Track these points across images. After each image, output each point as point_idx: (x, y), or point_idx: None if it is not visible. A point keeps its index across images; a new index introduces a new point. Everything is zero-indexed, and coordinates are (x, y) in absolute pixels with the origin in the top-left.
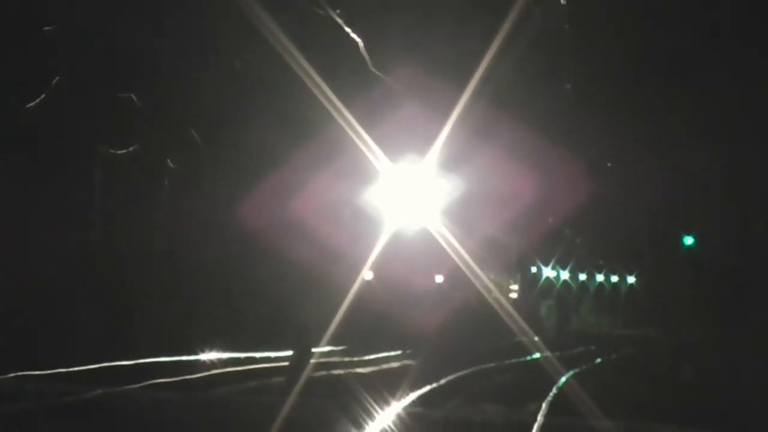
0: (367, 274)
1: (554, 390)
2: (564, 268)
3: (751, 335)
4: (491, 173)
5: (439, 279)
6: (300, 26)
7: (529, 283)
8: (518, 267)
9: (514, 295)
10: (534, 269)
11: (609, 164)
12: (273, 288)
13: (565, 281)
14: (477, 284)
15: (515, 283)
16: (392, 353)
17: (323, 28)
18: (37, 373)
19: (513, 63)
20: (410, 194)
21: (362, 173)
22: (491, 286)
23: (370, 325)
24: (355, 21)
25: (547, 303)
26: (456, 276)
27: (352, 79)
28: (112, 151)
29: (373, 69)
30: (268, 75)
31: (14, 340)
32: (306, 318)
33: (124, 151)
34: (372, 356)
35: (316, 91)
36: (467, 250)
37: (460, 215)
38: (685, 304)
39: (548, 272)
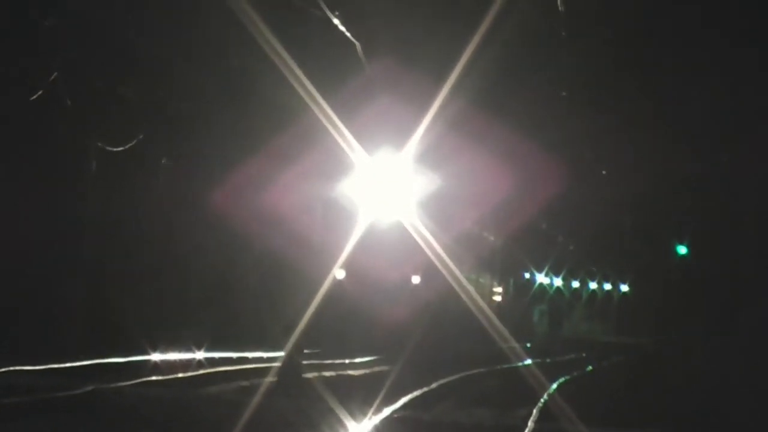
0: (338, 273)
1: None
2: (557, 275)
3: (742, 343)
4: (470, 169)
5: (415, 279)
6: (279, 14)
7: (521, 288)
8: (510, 272)
9: (498, 298)
10: (527, 275)
11: (604, 171)
12: (251, 282)
13: (558, 288)
14: (456, 286)
15: (499, 285)
16: (365, 359)
17: (305, 15)
18: (30, 368)
19: (494, 57)
20: (386, 188)
21: (337, 165)
22: (471, 288)
23: (339, 328)
24: (337, 8)
25: (540, 308)
26: (433, 277)
27: (330, 70)
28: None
29: (360, 54)
30: (245, 63)
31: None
32: (296, 318)
33: (110, 143)
34: (339, 361)
35: (292, 80)
36: (445, 249)
37: (438, 211)
38: (676, 312)
39: (541, 278)
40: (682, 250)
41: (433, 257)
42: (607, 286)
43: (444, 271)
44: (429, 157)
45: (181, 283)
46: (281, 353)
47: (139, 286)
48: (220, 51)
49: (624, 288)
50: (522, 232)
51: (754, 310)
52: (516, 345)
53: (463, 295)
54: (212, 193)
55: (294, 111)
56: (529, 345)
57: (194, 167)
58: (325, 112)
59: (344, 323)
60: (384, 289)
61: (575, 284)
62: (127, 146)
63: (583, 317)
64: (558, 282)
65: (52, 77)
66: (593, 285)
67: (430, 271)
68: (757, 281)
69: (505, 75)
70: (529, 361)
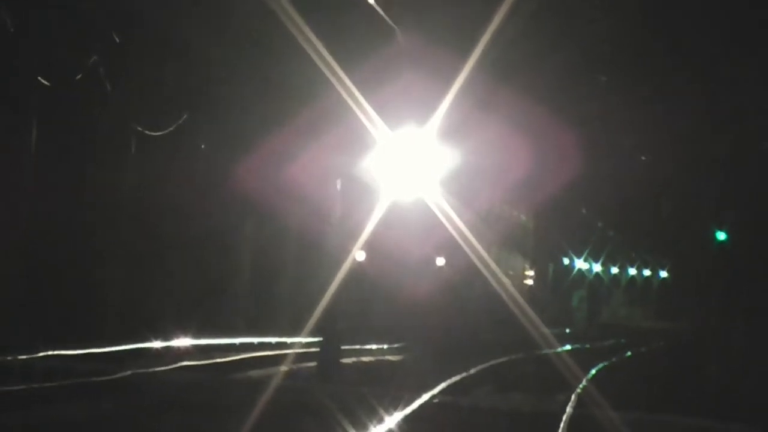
0: (358, 255)
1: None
2: (596, 261)
3: None
4: (497, 146)
5: (439, 261)
6: None
7: (561, 273)
8: (547, 256)
9: (529, 282)
10: (566, 260)
11: (643, 157)
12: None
13: (597, 273)
14: (483, 268)
15: (531, 268)
16: (383, 346)
17: None
18: (68, 353)
19: (520, 31)
20: (409, 164)
21: (359, 141)
22: (498, 271)
23: (357, 313)
24: None
25: (579, 294)
26: (459, 258)
27: (354, 43)
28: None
29: (388, 21)
30: (270, 40)
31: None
32: (334, 303)
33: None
34: (366, 347)
35: (313, 54)
36: (471, 229)
37: (464, 188)
38: (716, 298)
39: (580, 264)
40: (722, 235)
41: (458, 237)
42: (647, 272)
43: (470, 252)
44: (455, 132)
45: (217, 265)
46: (312, 339)
47: (175, 270)
48: (245, 28)
49: (663, 274)
50: (559, 216)
51: None
52: (550, 331)
53: (490, 279)
54: (240, 173)
55: (317, 87)
56: (568, 330)
57: (222, 147)
58: (347, 88)
59: (365, 307)
60: (407, 270)
61: (614, 270)
62: (165, 131)
63: (622, 303)
64: (597, 268)
65: (91, 61)
66: (632, 271)
67: (455, 252)
68: None
69: (533, 48)
70: (568, 347)
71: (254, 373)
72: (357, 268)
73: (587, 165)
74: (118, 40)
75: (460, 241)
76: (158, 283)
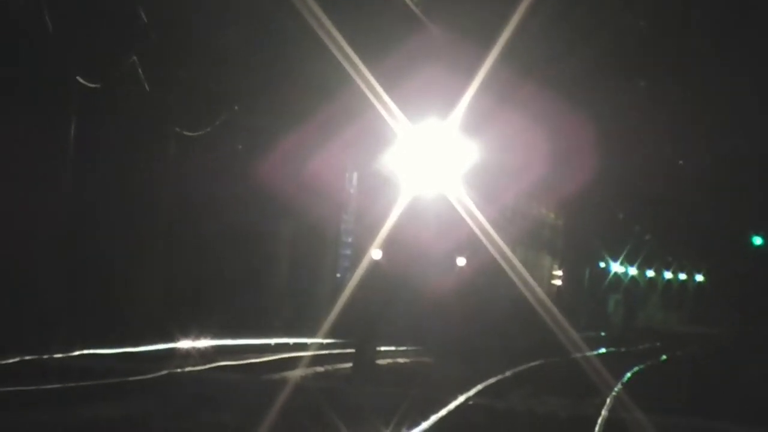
0: (375, 253)
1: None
2: (632, 264)
3: None
4: (523, 143)
5: (460, 261)
6: None
7: (597, 277)
8: (583, 259)
9: (557, 282)
10: (602, 264)
11: (681, 162)
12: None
13: (632, 277)
14: (507, 269)
15: (560, 268)
16: (403, 347)
17: None
18: (104, 351)
19: (543, 26)
20: (431, 159)
21: (380, 135)
22: (524, 271)
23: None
24: None
25: (615, 298)
26: (482, 258)
27: (377, 35)
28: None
29: (418, 13)
30: (291, 35)
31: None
32: (369, 307)
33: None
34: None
35: (334, 48)
36: (496, 227)
37: (488, 186)
38: (752, 302)
39: (617, 267)
40: (758, 240)
41: (481, 235)
42: (683, 276)
43: (494, 251)
44: (478, 126)
45: (251, 265)
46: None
47: (208, 270)
48: (267, 24)
49: (699, 278)
50: (592, 217)
51: None
52: (586, 334)
53: (516, 279)
54: (263, 167)
55: (338, 81)
56: (603, 334)
57: (247, 142)
58: (367, 81)
59: (383, 308)
60: (428, 270)
61: (650, 273)
62: (202, 132)
63: (657, 307)
64: (633, 271)
65: (131, 60)
66: (668, 275)
67: (477, 251)
68: None
69: (560, 42)
70: (603, 350)
71: (288, 374)
72: (375, 267)
73: (619, 164)
74: (152, 41)
75: (484, 239)
76: (190, 279)
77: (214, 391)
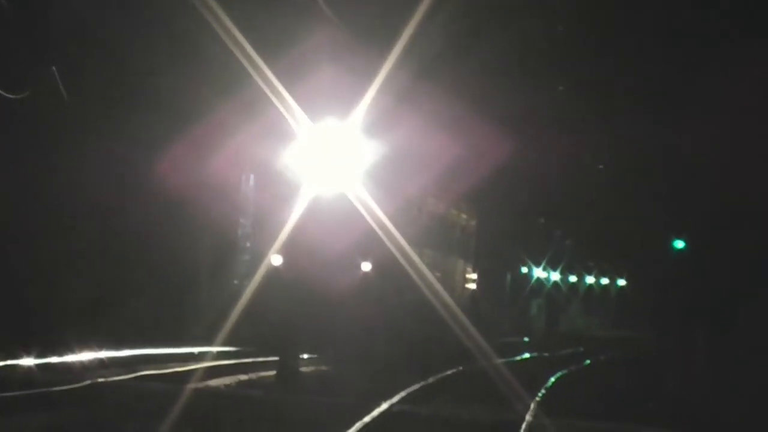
0: (274, 259)
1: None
2: (554, 269)
3: (741, 337)
4: (425, 142)
5: (366, 267)
6: None
7: (519, 282)
8: (505, 265)
9: (472, 286)
10: (524, 269)
11: (601, 166)
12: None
13: (555, 282)
14: (412, 272)
15: (474, 271)
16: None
17: None
18: (24, 363)
19: (441, 28)
20: (331, 159)
21: (280, 133)
22: (430, 275)
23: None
24: None
25: (537, 302)
26: (386, 262)
27: (275, 35)
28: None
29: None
30: (189, 31)
31: None
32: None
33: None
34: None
35: (232, 46)
36: (399, 227)
37: (390, 184)
38: (673, 306)
39: (539, 272)
40: (680, 244)
41: (384, 237)
42: (605, 281)
43: (397, 253)
44: (381, 126)
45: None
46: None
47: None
48: (166, 21)
49: (621, 282)
50: (512, 223)
51: (754, 305)
52: (509, 339)
53: (421, 284)
54: (154, 169)
55: (237, 79)
56: (526, 339)
57: (136, 141)
58: (267, 79)
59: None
60: (329, 275)
61: (572, 278)
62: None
63: (580, 312)
64: (555, 276)
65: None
66: (590, 279)
67: (382, 255)
68: (757, 275)
69: (460, 41)
70: (526, 355)
71: (214, 382)
72: (274, 274)
73: (534, 167)
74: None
75: (387, 241)
76: (63, 288)
77: (137, 400)
